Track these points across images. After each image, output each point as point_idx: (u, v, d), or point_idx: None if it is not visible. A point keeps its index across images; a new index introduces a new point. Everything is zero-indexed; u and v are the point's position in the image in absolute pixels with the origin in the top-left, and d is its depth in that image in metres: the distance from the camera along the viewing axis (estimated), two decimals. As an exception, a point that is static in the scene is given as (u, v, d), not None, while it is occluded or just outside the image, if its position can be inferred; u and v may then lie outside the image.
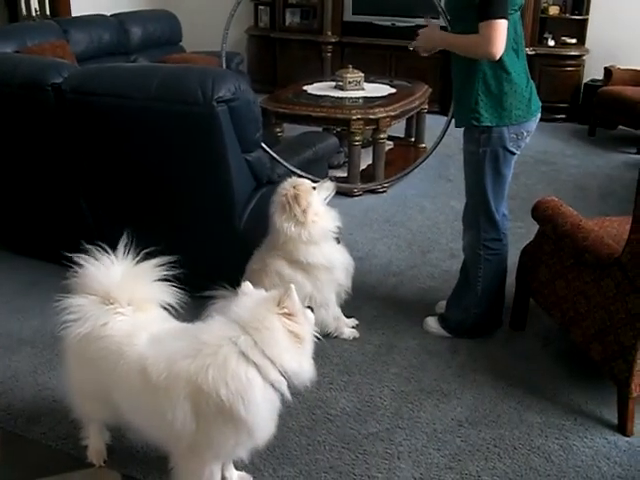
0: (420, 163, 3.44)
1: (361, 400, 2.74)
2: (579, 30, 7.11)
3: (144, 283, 2.17)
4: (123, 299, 2.14)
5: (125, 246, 2.19)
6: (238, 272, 3.25)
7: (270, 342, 1.93)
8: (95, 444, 2.38)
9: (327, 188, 2.99)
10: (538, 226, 3.01)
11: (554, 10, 7.10)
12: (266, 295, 2.04)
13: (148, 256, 2.20)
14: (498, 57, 2.58)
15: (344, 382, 2.84)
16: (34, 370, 2.90)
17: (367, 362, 2.98)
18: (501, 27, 2.53)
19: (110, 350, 2.08)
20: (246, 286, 2.09)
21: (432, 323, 3.21)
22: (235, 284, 3.32)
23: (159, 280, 2.18)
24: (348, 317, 3.20)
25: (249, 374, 1.91)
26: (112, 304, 2.13)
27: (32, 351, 3.03)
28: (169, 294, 2.19)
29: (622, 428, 2.56)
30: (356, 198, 4.85)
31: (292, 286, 2.00)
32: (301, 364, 1.99)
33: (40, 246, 3.86)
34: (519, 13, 2.73)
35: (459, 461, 2.42)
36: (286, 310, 1.96)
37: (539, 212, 2.95)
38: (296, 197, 2.84)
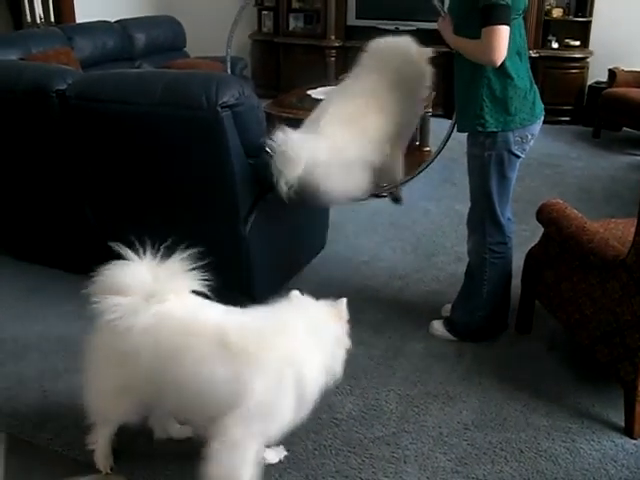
0: (425, 167, 3.43)
1: (367, 404, 2.73)
2: (583, 32, 7.10)
3: (177, 275, 2.22)
4: (163, 292, 2.18)
5: (143, 246, 2.25)
6: (243, 277, 3.26)
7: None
8: (103, 449, 2.38)
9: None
10: (543, 229, 3.01)
11: (557, 12, 7.09)
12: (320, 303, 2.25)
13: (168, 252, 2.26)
14: (499, 63, 2.58)
15: (350, 386, 2.84)
16: (40, 376, 2.90)
17: (373, 366, 2.98)
18: (502, 34, 2.52)
19: (172, 332, 2.12)
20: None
21: (438, 326, 3.20)
22: (238, 289, 3.34)
23: (187, 271, 2.25)
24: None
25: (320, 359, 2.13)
26: (153, 297, 2.17)
27: (37, 357, 3.04)
28: (201, 283, 2.26)
29: (629, 431, 2.55)
30: (361, 202, 4.84)
31: (344, 300, 2.27)
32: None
33: (44, 252, 3.87)
34: (522, 17, 2.73)
35: (465, 465, 2.41)
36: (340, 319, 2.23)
37: (544, 215, 2.94)
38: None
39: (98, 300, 2.23)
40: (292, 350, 2.08)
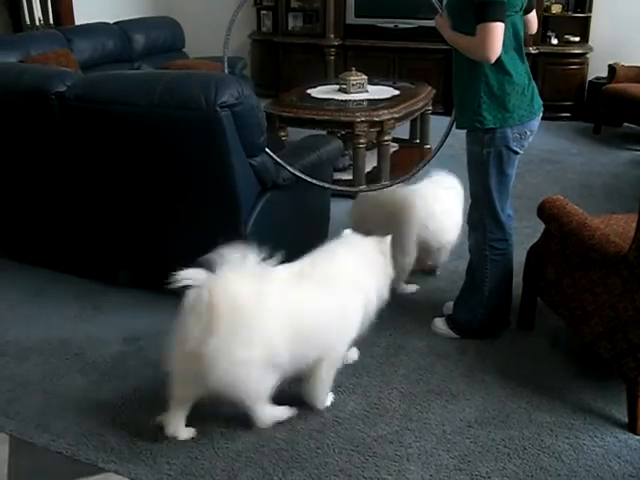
0: (424, 165, 3.43)
1: (370, 402, 2.73)
2: (582, 28, 7.10)
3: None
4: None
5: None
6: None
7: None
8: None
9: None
10: (544, 225, 3.01)
11: (557, 8, 7.09)
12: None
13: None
14: (493, 60, 2.58)
15: (352, 385, 2.83)
16: (42, 378, 2.90)
17: (375, 364, 2.97)
18: (496, 31, 2.52)
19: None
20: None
21: (440, 324, 3.20)
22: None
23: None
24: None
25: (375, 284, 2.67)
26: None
27: (40, 359, 3.04)
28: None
29: (632, 426, 2.55)
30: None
31: (389, 237, 2.76)
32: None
33: (45, 254, 3.87)
34: (521, 14, 2.73)
35: (469, 462, 2.41)
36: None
37: (545, 211, 2.94)
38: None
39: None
40: (359, 277, 2.58)
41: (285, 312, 2.38)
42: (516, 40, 2.70)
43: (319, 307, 2.46)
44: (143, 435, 2.55)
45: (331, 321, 2.50)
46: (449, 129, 3.24)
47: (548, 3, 7.08)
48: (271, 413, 2.54)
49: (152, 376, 2.89)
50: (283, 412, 2.59)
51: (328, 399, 2.70)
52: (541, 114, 2.85)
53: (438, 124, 5.80)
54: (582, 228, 2.69)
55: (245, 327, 2.28)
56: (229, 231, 3.14)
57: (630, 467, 2.38)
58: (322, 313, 2.47)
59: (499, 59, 2.61)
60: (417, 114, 5.52)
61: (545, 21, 7.08)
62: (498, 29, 2.52)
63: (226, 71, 3.61)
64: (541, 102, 2.85)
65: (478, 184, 2.89)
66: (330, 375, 2.60)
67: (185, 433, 2.52)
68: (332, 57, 7.69)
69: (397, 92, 5.48)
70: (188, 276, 2.34)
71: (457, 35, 2.72)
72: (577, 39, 7.09)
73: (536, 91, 2.83)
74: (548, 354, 3.03)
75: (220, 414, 2.65)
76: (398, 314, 3.34)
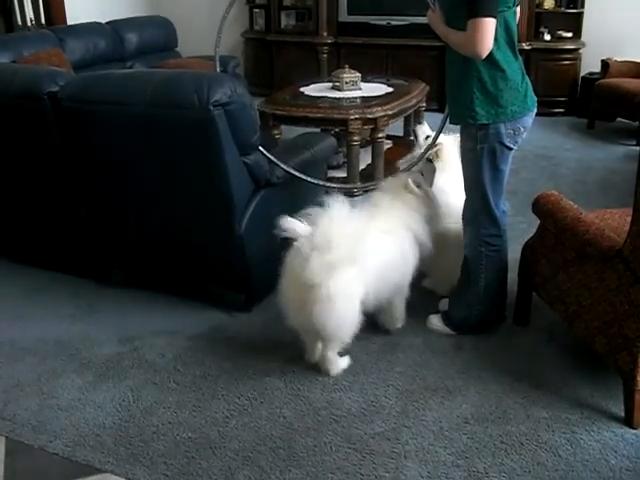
0: (418, 161, 3.42)
1: (366, 400, 2.73)
2: (575, 23, 7.10)
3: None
4: None
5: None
6: (239, 275, 3.26)
7: None
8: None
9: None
10: (539, 221, 3.01)
11: (549, 4, 7.10)
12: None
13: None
14: (484, 56, 2.58)
15: (349, 382, 2.83)
16: (38, 379, 2.90)
17: (371, 361, 2.97)
18: (487, 26, 2.52)
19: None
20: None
21: (435, 321, 3.20)
22: (235, 287, 3.33)
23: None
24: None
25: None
26: None
27: (35, 359, 3.03)
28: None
29: (629, 421, 2.55)
30: (356, 198, 4.84)
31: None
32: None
33: (39, 254, 3.86)
34: (514, 9, 2.72)
35: (466, 458, 2.41)
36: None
37: (539, 207, 2.94)
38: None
39: None
40: (411, 223, 3.02)
41: (376, 254, 2.80)
42: (509, 36, 2.70)
43: (394, 250, 2.92)
44: (140, 435, 2.55)
45: (401, 262, 2.97)
46: (442, 125, 3.24)
47: (541, -1, 7.09)
48: (341, 362, 2.90)
49: (148, 376, 2.89)
50: (347, 362, 2.93)
51: (401, 322, 3.18)
52: (535, 110, 2.85)
53: (432, 121, 5.80)
54: (577, 223, 2.69)
55: (354, 265, 2.68)
56: (223, 229, 3.14)
57: (627, 461, 2.38)
58: (396, 255, 2.93)
59: (492, 55, 2.61)
60: (411, 111, 5.52)
61: (538, 17, 7.11)
62: (489, 24, 2.52)
63: (218, 69, 3.61)
64: (535, 98, 2.84)
65: (472, 180, 2.89)
66: (403, 304, 3.13)
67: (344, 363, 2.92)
68: (325, 55, 7.68)
69: (390, 89, 5.48)
70: (294, 226, 2.65)
71: (449, 30, 2.71)
72: (570, 35, 7.09)
73: (530, 87, 2.82)
74: (544, 349, 3.03)
75: (217, 414, 2.65)
76: (394, 311, 3.35)
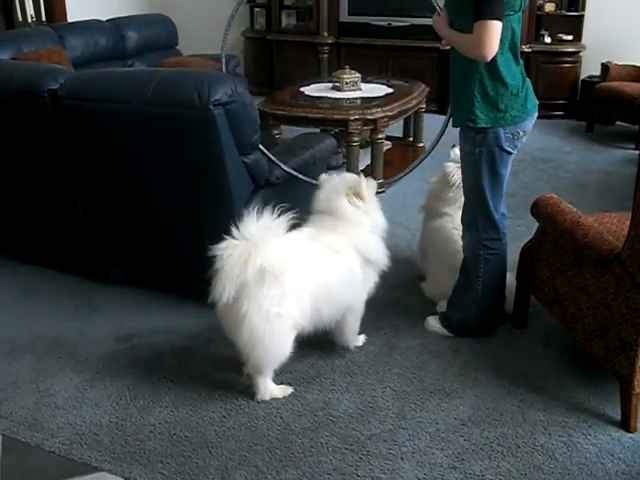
0: (419, 163, 3.43)
1: (363, 401, 2.73)
2: (575, 26, 7.11)
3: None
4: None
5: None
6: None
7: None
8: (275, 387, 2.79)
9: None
10: (538, 224, 3.01)
11: (550, 7, 7.10)
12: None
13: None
14: (489, 59, 2.58)
15: (346, 383, 2.83)
16: (35, 377, 2.89)
17: (369, 363, 2.97)
18: (494, 29, 2.52)
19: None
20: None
21: (433, 323, 3.20)
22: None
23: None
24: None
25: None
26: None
27: (33, 357, 3.03)
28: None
29: (625, 424, 2.56)
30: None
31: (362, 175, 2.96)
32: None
33: (37, 251, 3.86)
34: (520, 14, 2.72)
35: (463, 460, 2.41)
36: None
37: (538, 210, 2.94)
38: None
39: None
40: (354, 240, 2.84)
41: (310, 272, 2.66)
42: (513, 40, 2.70)
43: (335, 268, 2.76)
44: (137, 434, 2.55)
45: (345, 280, 2.80)
46: (445, 125, 3.25)
47: (541, 2, 7.09)
48: (272, 388, 2.75)
49: (145, 374, 2.89)
50: (283, 390, 2.78)
51: (360, 340, 3.09)
52: (536, 114, 2.85)
53: (432, 122, 5.81)
54: (576, 226, 2.69)
55: (277, 285, 2.53)
56: (222, 229, 3.14)
57: (623, 465, 2.39)
58: (337, 273, 2.76)
59: (494, 59, 2.61)
60: (410, 112, 5.52)
61: (538, 20, 7.11)
62: (496, 27, 2.52)
63: (224, 69, 3.61)
64: (536, 102, 2.85)
65: (471, 183, 2.89)
66: (356, 323, 2.99)
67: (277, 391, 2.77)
68: (325, 55, 7.68)
69: (391, 90, 5.48)
70: (223, 248, 2.53)
71: (454, 33, 2.71)
72: (570, 38, 7.09)
73: (531, 91, 2.82)
74: (542, 352, 3.03)
75: (214, 413, 2.65)
76: (391, 312, 3.35)
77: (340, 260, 2.77)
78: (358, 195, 2.88)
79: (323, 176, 3.00)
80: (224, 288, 2.47)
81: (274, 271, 2.51)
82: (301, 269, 2.63)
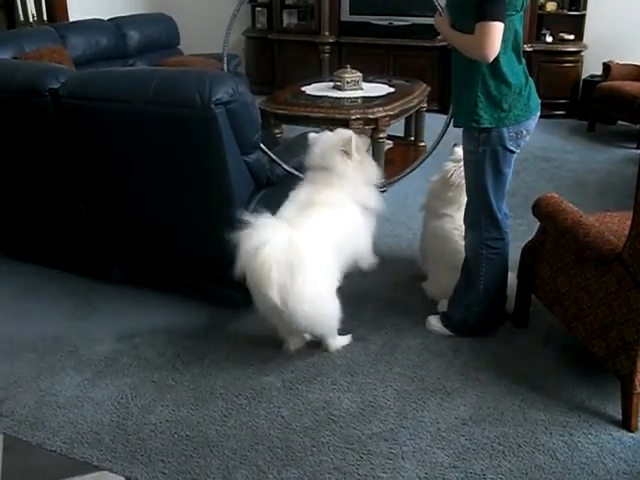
0: (420, 162, 3.43)
1: (364, 400, 2.73)
2: (577, 26, 7.10)
3: None
4: None
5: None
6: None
7: None
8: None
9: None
10: (539, 223, 3.01)
11: (551, 6, 7.10)
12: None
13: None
14: (490, 59, 2.57)
15: (347, 382, 2.84)
16: (36, 376, 2.90)
17: (370, 362, 2.97)
18: (495, 30, 2.51)
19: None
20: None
21: (434, 322, 3.20)
22: (235, 286, 3.32)
23: None
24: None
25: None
26: None
27: (34, 356, 3.03)
28: None
29: (626, 424, 2.56)
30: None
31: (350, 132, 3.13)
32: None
33: (38, 251, 3.86)
34: (522, 13, 2.71)
35: (464, 460, 2.41)
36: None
37: (540, 209, 2.94)
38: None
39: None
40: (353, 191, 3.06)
41: (326, 238, 2.84)
42: (515, 40, 2.69)
43: (344, 222, 2.98)
44: (138, 433, 2.55)
45: (354, 230, 3.02)
46: (447, 124, 3.24)
47: (543, 1, 7.08)
48: (344, 340, 3.05)
49: (146, 373, 2.90)
50: (348, 338, 3.08)
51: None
52: (539, 113, 2.85)
53: (433, 122, 5.81)
54: (577, 226, 2.69)
55: (307, 267, 2.67)
56: (223, 228, 3.14)
57: (624, 464, 2.39)
58: (347, 227, 2.98)
59: (497, 59, 2.61)
60: (412, 112, 5.52)
61: (540, 19, 7.10)
62: (497, 28, 2.51)
63: (225, 68, 3.61)
64: (539, 101, 2.84)
65: (474, 183, 2.89)
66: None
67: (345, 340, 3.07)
68: (327, 54, 7.68)
69: (392, 90, 5.47)
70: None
71: (456, 33, 2.71)
72: (572, 37, 7.09)
73: (533, 90, 2.82)
74: (542, 352, 3.03)
75: (215, 412, 2.66)
76: (392, 312, 3.35)
77: (344, 213, 3.00)
78: (351, 150, 3.05)
79: (312, 135, 3.16)
80: (269, 286, 2.57)
81: (304, 250, 2.68)
82: (322, 235, 2.83)
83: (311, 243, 2.75)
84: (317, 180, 3.05)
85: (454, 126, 2.95)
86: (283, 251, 2.60)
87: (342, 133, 3.15)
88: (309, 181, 3.08)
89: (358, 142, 3.11)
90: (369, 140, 3.23)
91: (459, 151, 3.09)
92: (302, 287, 2.66)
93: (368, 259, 3.16)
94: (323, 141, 3.11)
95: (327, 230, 2.87)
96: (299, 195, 2.98)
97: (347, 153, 3.06)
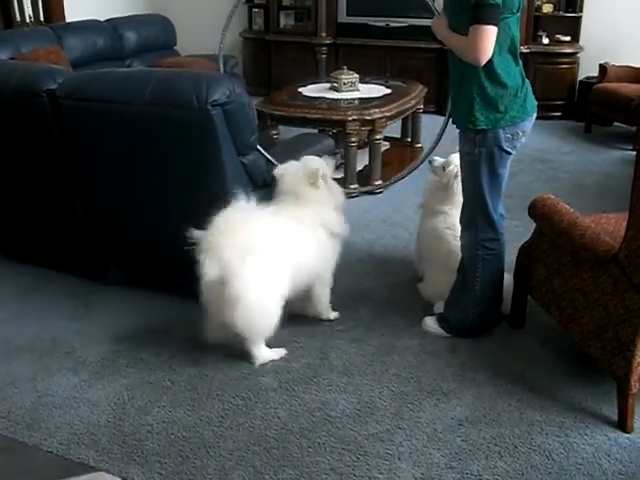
0: (419, 164, 3.44)
1: (361, 401, 2.73)
2: (573, 27, 7.12)
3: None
4: None
5: None
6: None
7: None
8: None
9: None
10: (535, 224, 3.01)
11: (548, 8, 7.11)
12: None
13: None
14: (482, 63, 2.59)
15: (344, 383, 2.84)
16: (33, 377, 2.89)
17: (366, 363, 2.98)
18: (488, 34, 2.52)
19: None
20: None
21: (431, 323, 3.21)
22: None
23: None
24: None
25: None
26: None
27: (31, 357, 3.03)
28: None
29: (622, 425, 2.56)
30: (352, 199, 4.85)
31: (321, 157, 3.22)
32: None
33: (36, 252, 3.85)
34: (518, 15, 2.72)
35: (460, 460, 2.42)
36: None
37: (536, 210, 2.95)
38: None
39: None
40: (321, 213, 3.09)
41: (288, 246, 2.90)
42: (511, 41, 2.70)
43: (307, 241, 3.00)
44: (135, 434, 2.55)
45: (317, 252, 3.04)
46: (444, 125, 3.25)
47: (539, 3, 7.10)
48: (269, 353, 2.97)
49: (143, 374, 2.89)
50: (278, 352, 3.00)
51: (332, 314, 3.27)
52: (535, 114, 2.86)
53: (430, 123, 5.82)
54: (573, 227, 2.70)
55: (259, 263, 2.75)
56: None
57: (620, 465, 2.39)
58: (309, 245, 3.00)
59: (493, 61, 2.62)
60: (408, 113, 5.52)
61: (536, 20, 7.12)
62: (490, 32, 2.53)
63: (221, 69, 3.61)
64: (535, 103, 2.85)
65: (470, 183, 2.89)
66: (326, 293, 3.21)
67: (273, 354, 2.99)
68: (324, 55, 7.68)
69: (388, 91, 5.49)
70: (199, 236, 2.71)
71: (451, 35, 2.72)
72: (568, 39, 7.11)
73: (530, 92, 2.83)
74: (539, 353, 3.04)
75: (212, 413, 2.66)
76: (389, 313, 3.35)
77: (310, 233, 3.02)
78: (317, 182, 3.09)
79: (278, 170, 3.13)
80: (211, 265, 2.67)
81: (261, 248, 2.77)
82: (283, 244, 2.88)
83: (261, 246, 2.79)
84: (288, 201, 3.07)
85: (453, 123, 2.95)
86: (233, 237, 2.72)
87: (309, 163, 3.15)
88: (282, 203, 3.08)
89: (325, 170, 3.15)
90: (335, 159, 3.26)
91: (437, 160, 3.32)
92: (239, 281, 2.70)
93: (326, 283, 3.18)
94: (291, 172, 3.11)
95: (281, 241, 2.89)
96: (268, 208, 2.98)
97: (316, 180, 3.09)
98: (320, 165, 3.14)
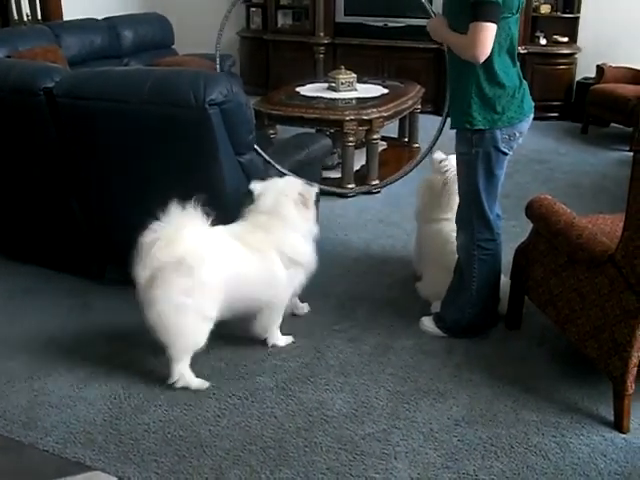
0: (416, 165, 3.44)
1: (357, 401, 2.73)
2: (571, 28, 7.13)
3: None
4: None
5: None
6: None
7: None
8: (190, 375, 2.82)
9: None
10: (532, 224, 3.02)
11: (545, 9, 7.12)
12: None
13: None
14: (481, 60, 2.58)
15: (340, 383, 2.84)
16: (30, 376, 2.89)
17: (363, 363, 2.98)
18: (487, 31, 2.52)
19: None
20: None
21: (427, 323, 3.21)
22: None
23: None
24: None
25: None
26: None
27: (27, 357, 3.02)
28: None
29: (618, 425, 2.56)
30: (350, 199, 4.86)
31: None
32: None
33: (32, 251, 3.85)
34: (517, 16, 2.72)
35: (456, 460, 2.42)
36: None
37: (533, 210, 2.95)
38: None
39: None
40: (280, 241, 2.89)
41: (224, 267, 2.73)
42: (510, 42, 2.70)
43: (250, 265, 2.82)
44: (131, 433, 2.55)
45: (262, 278, 2.86)
46: (442, 125, 3.25)
47: (537, 3, 7.11)
48: (188, 377, 2.79)
49: (139, 373, 2.89)
50: (200, 384, 2.80)
51: (282, 340, 3.08)
52: (532, 115, 2.86)
53: (427, 123, 5.83)
54: (570, 228, 2.70)
55: (189, 276, 2.63)
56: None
57: (616, 465, 2.40)
58: (252, 270, 2.83)
59: (491, 61, 2.62)
60: (406, 113, 5.53)
61: (534, 21, 7.13)
62: (489, 29, 2.52)
63: (218, 68, 3.61)
64: (532, 103, 2.86)
65: (466, 184, 2.90)
66: (273, 319, 3.01)
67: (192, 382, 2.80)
68: (321, 55, 7.69)
69: (386, 91, 5.49)
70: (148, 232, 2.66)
71: (450, 33, 2.72)
72: (565, 39, 7.12)
73: (527, 92, 2.83)
74: (535, 353, 3.04)
75: (208, 412, 2.65)
76: (386, 313, 3.35)
77: (258, 258, 2.84)
78: (304, 202, 2.96)
79: (258, 185, 2.96)
80: (142, 269, 2.62)
81: (190, 262, 2.63)
82: (216, 263, 2.71)
83: (188, 258, 2.64)
84: (254, 222, 2.92)
85: (451, 127, 2.95)
86: (172, 246, 2.63)
87: (299, 183, 3.03)
88: (246, 221, 2.94)
89: (309, 194, 2.99)
90: (316, 190, 3.08)
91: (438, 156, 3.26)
92: (165, 289, 2.63)
93: (275, 311, 2.99)
94: (278, 187, 2.97)
95: (213, 258, 2.71)
96: (222, 228, 2.84)
97: (304, 204, 2.96)
98: (310, 188, 3.02)
